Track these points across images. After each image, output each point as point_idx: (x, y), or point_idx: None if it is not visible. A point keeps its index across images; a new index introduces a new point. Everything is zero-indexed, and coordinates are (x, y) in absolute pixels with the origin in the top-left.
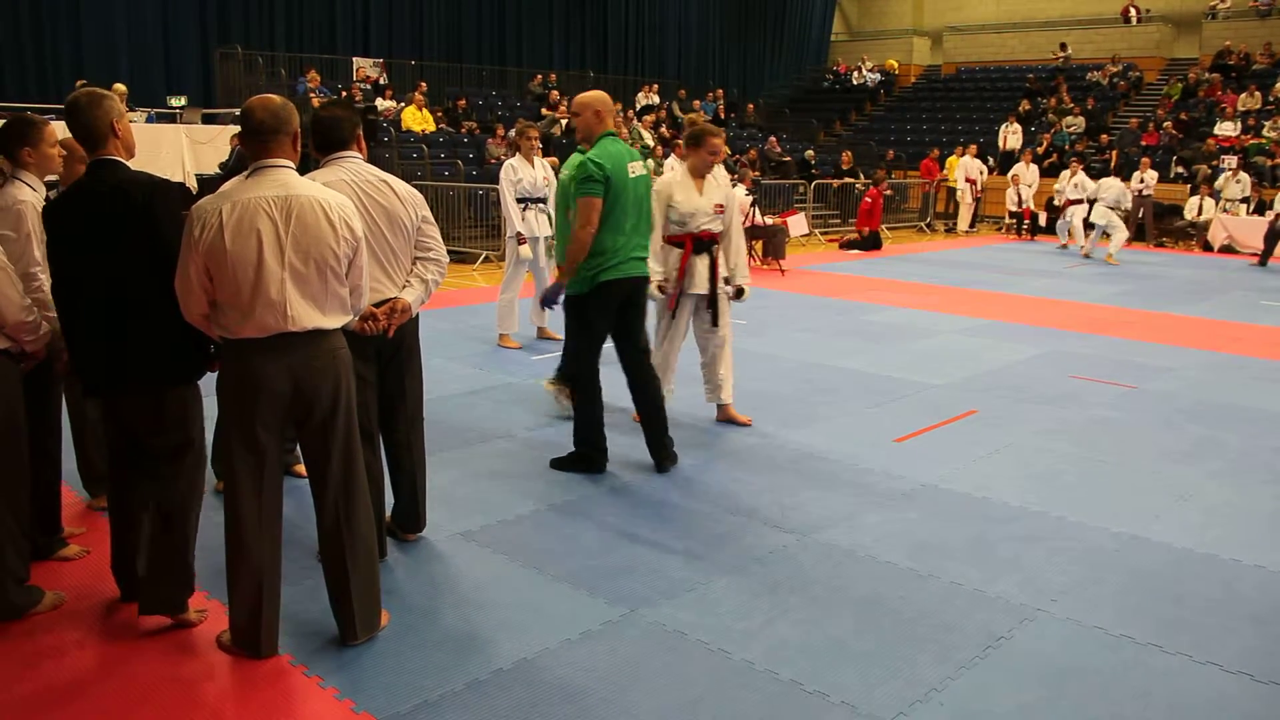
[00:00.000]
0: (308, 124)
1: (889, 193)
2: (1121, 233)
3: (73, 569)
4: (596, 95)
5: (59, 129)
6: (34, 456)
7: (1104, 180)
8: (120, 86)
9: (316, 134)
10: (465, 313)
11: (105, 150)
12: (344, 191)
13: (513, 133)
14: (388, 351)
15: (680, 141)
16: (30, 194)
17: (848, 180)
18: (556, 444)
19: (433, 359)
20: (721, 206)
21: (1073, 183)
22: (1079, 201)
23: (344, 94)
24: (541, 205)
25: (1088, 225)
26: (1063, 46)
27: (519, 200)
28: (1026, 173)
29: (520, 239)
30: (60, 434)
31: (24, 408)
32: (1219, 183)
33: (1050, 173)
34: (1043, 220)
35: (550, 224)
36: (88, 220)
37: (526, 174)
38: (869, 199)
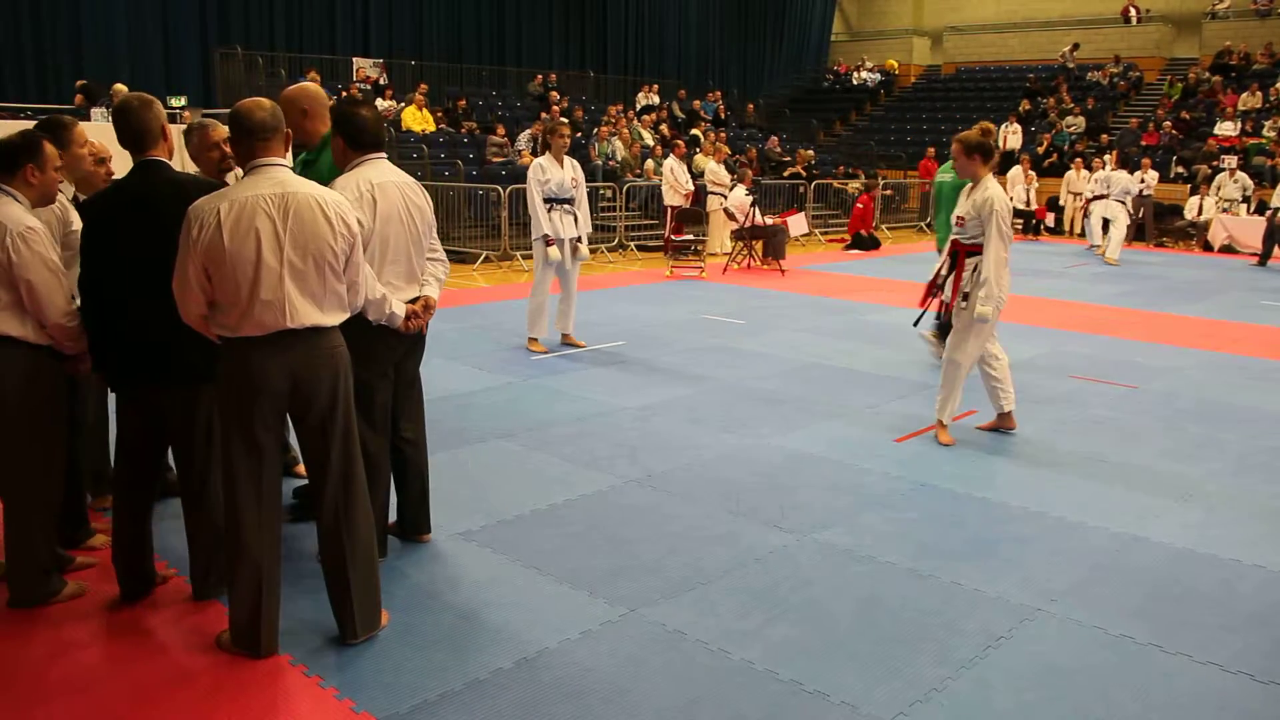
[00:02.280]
0: (340, 120)
1: (889, 193)
2: (1120, 231)
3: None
4: (302, 90)
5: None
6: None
7: (1114, 174)
8: (120, 87)
9: (358, 131)
10: (465, 313)
11: (155, 152)
12: (392, 194)
13: (525, 133)
14: (403, 350)
15: (680, 141)
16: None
17: (796, 179)
18: (557, 444)
19: (433, 359)
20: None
21: (1095, 178)
22: (1103, 197)
23: (343, 93)
24: (568, 206)
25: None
26: (1075, 46)
27: (546, 201)
28: (1026, 175)
29: (548, 240)
30: (84, 431)
31: (66, 405)
32: (1216, 182)
33: (1050, 173)
34: (1049, 220)
35: (576, 225)
36: (142, 218)
37: (555, 174)
38: (860, 204)
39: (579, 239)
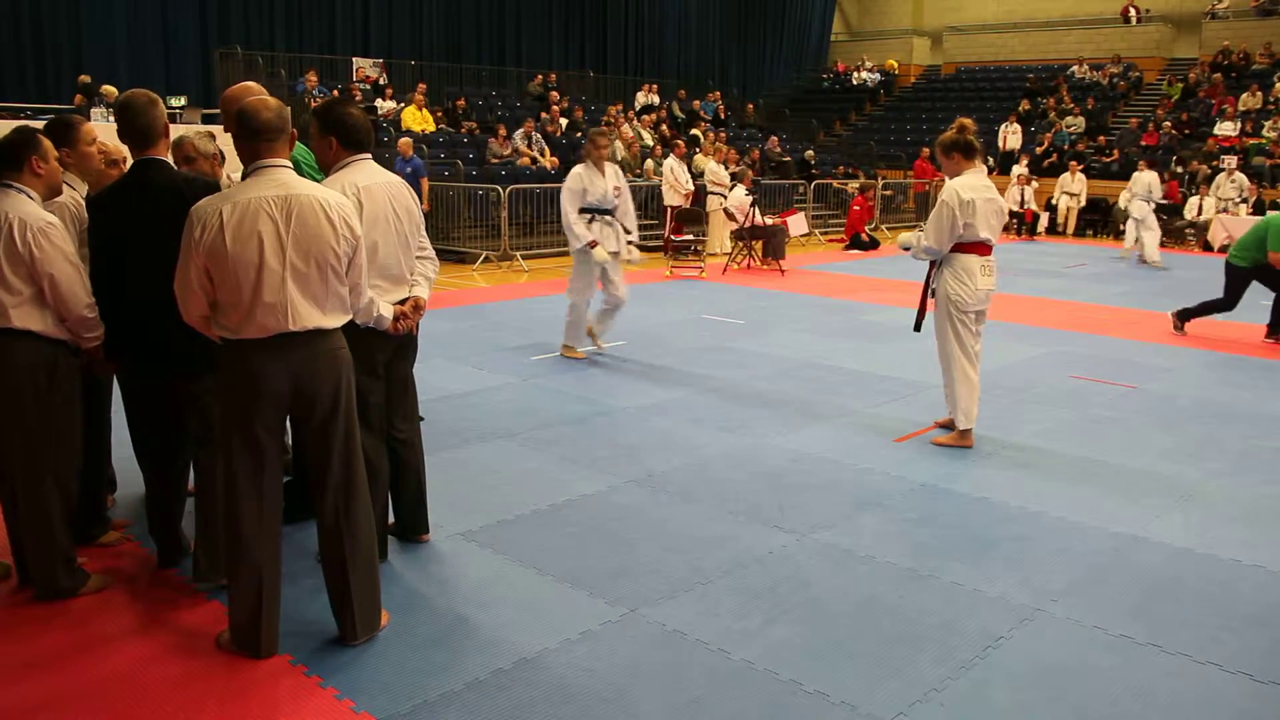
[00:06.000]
0: (333, 121)
1: (888, 193)
2: (1154, 233)
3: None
4: (245, 90)
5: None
6: (86, 445)
7: (1136, 174)
8: (110, 89)
9: (352, 130)
10: (465, 313)
11: (156, 150)
12: (379, 196)
13: (519, 132)
14: (391, 350)
15: (680, 141)
16: (66, 195)
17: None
18: (557, 444)
19: (433, 359)
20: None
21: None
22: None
23: (336, 93)
24: (610, 217)
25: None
26: (1081, 63)
27: (586, 211)
28: (1025, 174)
29: (591, 244)
30: (110, 425)
31: (82, 399)
32: (1215, 182)
33: (1050, 173)
34: (1044, 221)
35: (618, 239)
36: (145, 217)
37: (596, 184)
38: (856, 205)
39: (620, 250)
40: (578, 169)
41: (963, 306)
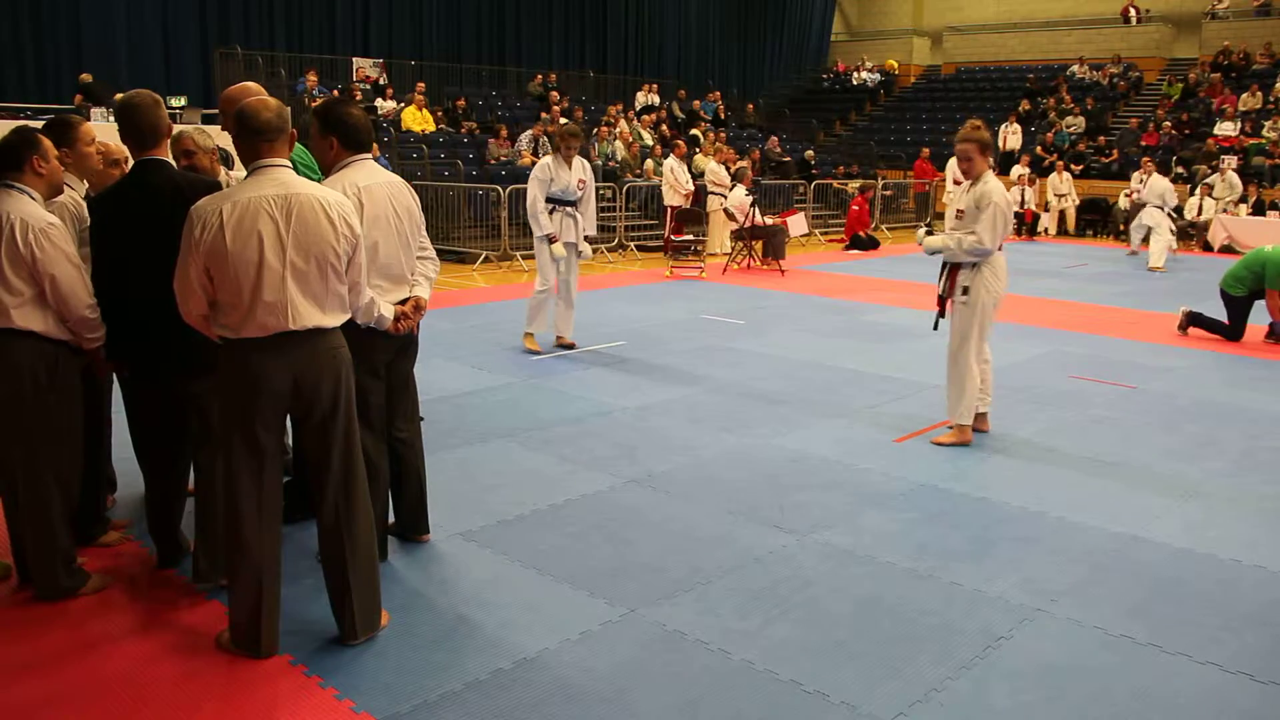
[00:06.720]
0: (334, 121)
1: (888, 193)
2: (1163, 239)
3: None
4: (244, 90)
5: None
6: (86, 445)
7: (1149, 181)
8: (119, 95)
9: (353, 131)
10: (465, 312)
11: (157, 151)
12: (380, 196)
13: (526, 134)
14: (393, 350)
15: (680, 141)
16: (66, 195)
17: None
18: (557, 444)
19: (433, 359)
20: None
21: (1134, 187)
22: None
23: (336, 92)
24: (571, 209)
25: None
26: (1081, 63)
27: (549, 201)
28: (1027, 175)
29: (551, 239)
30: (110, 424)
31: (83, 399)
32: (1210, 181)
33: (1050, 173)
34: (1044, 221)
35: (576, 228)
36: (146, 217)
37: (561, 176)
38: (856, 205)
39: (577, 243)
40: (546, 159)
41: (998, 302)
